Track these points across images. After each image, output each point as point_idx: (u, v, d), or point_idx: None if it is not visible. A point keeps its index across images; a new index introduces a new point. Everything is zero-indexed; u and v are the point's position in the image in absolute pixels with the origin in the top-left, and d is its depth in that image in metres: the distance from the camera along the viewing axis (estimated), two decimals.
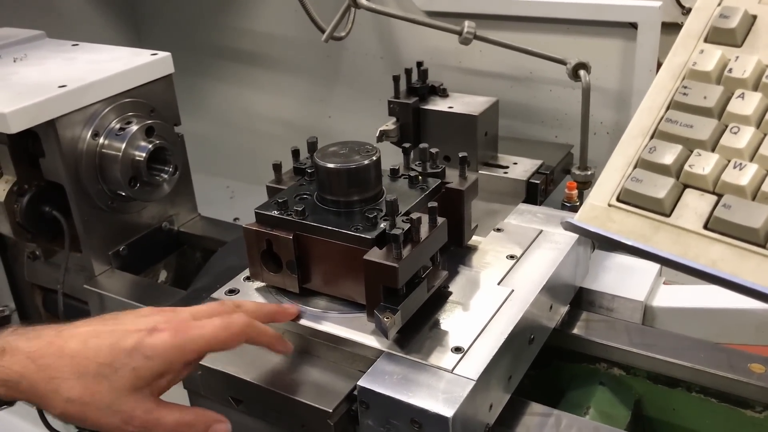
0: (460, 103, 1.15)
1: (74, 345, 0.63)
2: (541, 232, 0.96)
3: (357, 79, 1.62)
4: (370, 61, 1.57)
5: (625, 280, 1.00)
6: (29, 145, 1.05)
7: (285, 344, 0.77)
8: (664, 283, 1.02)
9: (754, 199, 0.58)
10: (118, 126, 1.06)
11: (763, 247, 0.56)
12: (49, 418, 1.08)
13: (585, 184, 1.19)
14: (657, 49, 1.21)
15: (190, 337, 0.65)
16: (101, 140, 1.05)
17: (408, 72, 1.17)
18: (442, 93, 1.18)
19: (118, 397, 0.62)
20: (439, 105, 1.16)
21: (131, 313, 0.68)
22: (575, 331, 0.95)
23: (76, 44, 1.22)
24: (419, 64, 1.18)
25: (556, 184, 1.20)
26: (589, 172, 1.21)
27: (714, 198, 0.60)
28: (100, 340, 0.63)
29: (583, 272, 1.00)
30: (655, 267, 1.02)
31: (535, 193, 1.12)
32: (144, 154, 1.06)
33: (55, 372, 0.61)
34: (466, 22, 1.22)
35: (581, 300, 1.00)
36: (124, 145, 1.04)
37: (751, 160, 0.59)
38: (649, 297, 0.98)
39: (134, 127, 1.06)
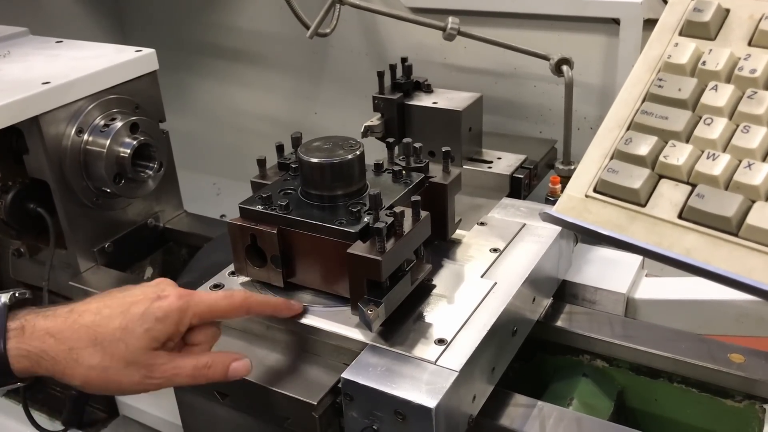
0: (445, 99, 1.16)
1: (88, 317, 0.67)
2: (524, 225, 0.97)
3: (342, 75, 1.63)
4: (355, 57, 1.57)
5: (608, 272, 1.01)
6: (13, 142, 1.05)
7: (291, 306, 0.80)
8: (646, 276, 1.03)
9: (726, 188, 0.59)
10: (102, 122, 1.06)
11: (735, 235, 0.57)
12: (35, 414, 1.08)
13: (568, 179, 1.19)
14: (639, 44, 1.22)
15: (194, 300, 0.70)
16: (85, 137, 1.05)
17: (393, 68, 1.18)
18: (427, 89, 1.19)
19: (135, 356, 0.66)
20: (423, 100, 1.16)
21: (137, 285, 0.73)
22: (558, 323, 0.96)
23: (60, 41, 1.22)
24: (404, 60, 1.18)
25: (539, 178, 1.21)
26: (573, 167, 1.21)
27: (688, 188, 0.61)
28: (112, 309, 0.68)
29: (566, 265, 1.01)
30: (637, 260, 1.03)
31: (518, 187, 1.13)
32: (129, 151, 1.06)
33: (73, 343, 0.66)
34: (450, 18, 1.22)
35: (564, 293, 1.01)
36: (108, 142, 1.05)
37: (724, 150, 0.60)
38: (631, 289, 0.99)
39: (119, 124, 1.06)
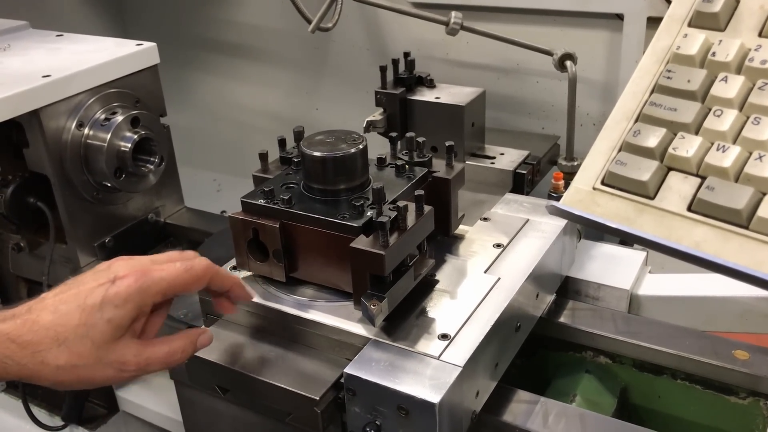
0: (447, 94, 1.15)
1: (46, 317, 0.64)
2: (527, 221, 0.96)
3: (344, 70, 1.62)
4: (357, 52, 1.57)
5: (611, 269, 1.01)
6: (13, 136, 1.04)
7: (245, 291, 0.78)
8: (649, 272, 1.03)
9: (737, 180, 0.58)
10: (103, 116, 1.06)
11: (746, 228, 0.56)
12: (34, 410, 1.08)
13: (571, 175, 1.18)
14: (643, 39, 1.22)
15: (152, 279, 0.67)
16: (86, 131, 1.05)
17: (395, 62, 1.17)
18: (429, 84, 1.18)
19: (104, 350, 0.64)
20: (426, 95, 1.15)
21: (89, 272, 0.69)
22: (562, 319, 0.95)
23: (61, 35, 1.21)
24: (406, 54, 1.17)
25: (542, 174, 1.20)
26: (576, 163, 1.21)
27: (697, 180, 0.60)
28: (68, 304, 0.65)
29: (570, 261, 1.00)
30: (640, 256, 1.03)
31: (521, 183, 1.13)
32: (129, 145, 1.05)
33: (36, 346, 0.63)
34: (453, 13, 1.22)
35: (567, 289, 1.00)
36: (109, 136, 1.04)
37: (734, 142, 0.60)
38: (634, 286, 0.99)
39: (119, 118, 1.05)
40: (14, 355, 0.63)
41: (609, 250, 1.05)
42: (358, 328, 0.77)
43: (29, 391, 1.12)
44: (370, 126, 1.16)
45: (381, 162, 0.87)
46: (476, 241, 0.92)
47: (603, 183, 0.65)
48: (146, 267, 0.68)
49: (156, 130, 1.11)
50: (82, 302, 0.65)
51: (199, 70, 1.86)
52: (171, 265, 0.69)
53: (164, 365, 0.69)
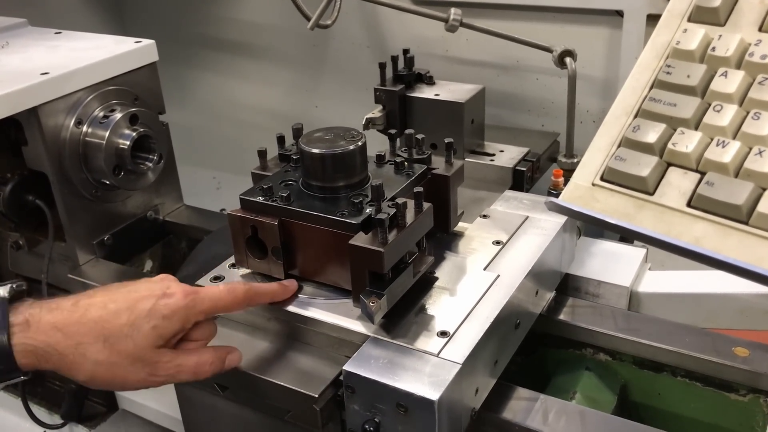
0: (447, 91, 1.15)
1: (95, 312, 0.67)
2: (527, 218, 0.96)
3: (343, 68, 1.62)
4: (356, 50, 1.57)
5: (611, 266, 1.01)
6: (11, 133, 1.04)
7: (287, 288, 0.81)
8: (649, 269, 1.03)
9: (736, 176, 0.58)
10: (101, 114, 1.06)
11: (746, 223, 0.56)
12: (34, 408, 1.08)
13: (571, 172, 1.18)
14: (643, 36, 1.22)
15: (198, 298, 0.70)
16: (85, 128, 1.04)
17: (394, 59, 1.17)
18: (429, 80, 1.18)
19: (141, 353, 0.67)
20: (425, 92, 1.15)
21: (143, 281, 0.73)
22: (561, 316, 0.95)
23: (59, 32, 1.21)
24: (405, 51, 1.17)
25: (542, 171, 1.20)
26: (575, 160, 1.21)
27: (697, 176, 0.60)
28: (118, 304, 0.68)
29: (569, 258, 1.00)
30: (640, 253, 1.03)
31: (521, 180, 1.12)
32: (128, 142, 1.05)
33: (81, 338, 0.65)
34: (452, 10, 1.22)
35: (567, 286, 1.00)
36: (107, 133, 1.04)
37: (734, 137, 0.60)
38: (634, 283, 0.98)
39: (118, 115, 1.05)
40: (58, 344, 0.65)
41: (609, 247, 1.05)
42: (357, 326, 0.76)
43: (29, 390, 1.12)
44: (370, 123, 1.15)
45: (380, 159, 0.87)
46: (476, 238, 0.92)
47: (602, 179, 0.65)
48: (193, 287, 0.72)
49: (155, 127, 1.11)
50: (133, 305, 0.68)
51: (198, 67, 1.86)
52: (215, 287, 0.74)
53: (192, 375, 0.70)
